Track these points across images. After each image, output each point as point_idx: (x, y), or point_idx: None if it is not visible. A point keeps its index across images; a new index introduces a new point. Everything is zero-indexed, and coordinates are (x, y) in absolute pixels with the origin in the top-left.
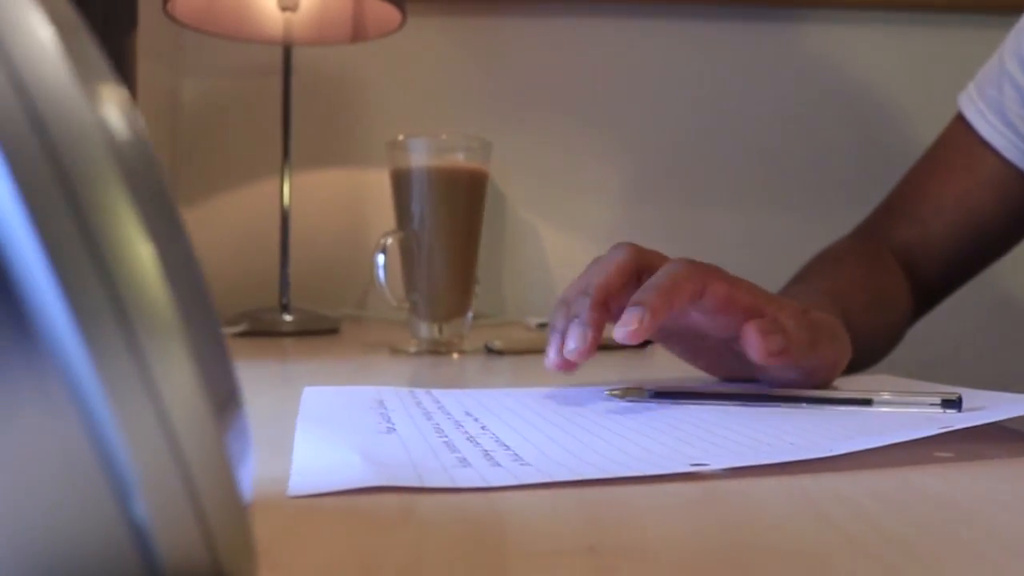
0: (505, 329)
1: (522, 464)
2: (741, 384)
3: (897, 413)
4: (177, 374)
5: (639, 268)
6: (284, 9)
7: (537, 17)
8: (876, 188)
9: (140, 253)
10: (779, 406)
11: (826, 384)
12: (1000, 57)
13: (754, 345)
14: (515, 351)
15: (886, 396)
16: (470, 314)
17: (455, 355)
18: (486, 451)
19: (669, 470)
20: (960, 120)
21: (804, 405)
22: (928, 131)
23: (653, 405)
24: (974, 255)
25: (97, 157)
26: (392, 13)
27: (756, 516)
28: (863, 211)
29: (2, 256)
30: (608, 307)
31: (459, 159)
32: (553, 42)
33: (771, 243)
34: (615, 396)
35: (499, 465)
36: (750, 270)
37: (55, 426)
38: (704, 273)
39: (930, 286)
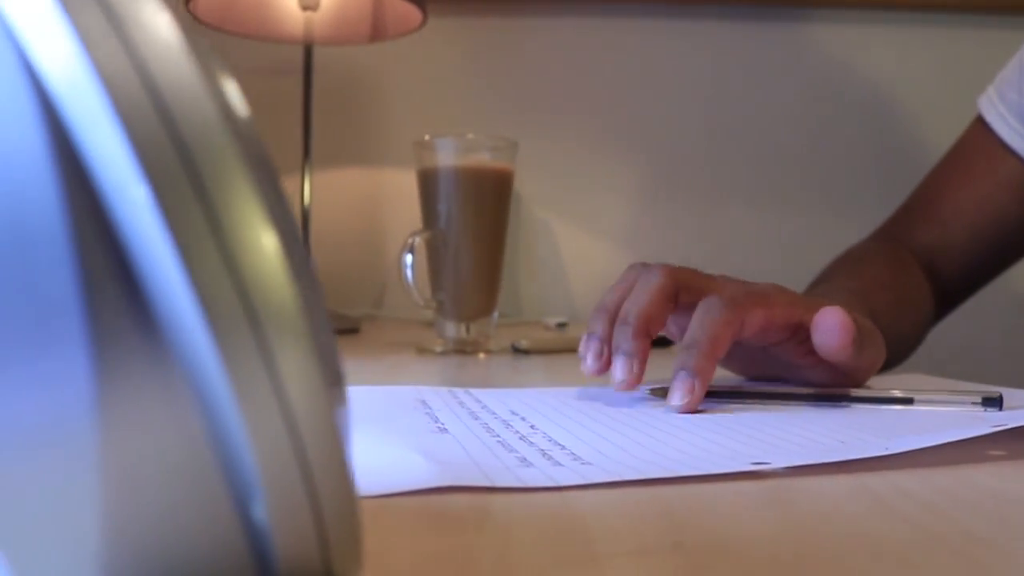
0: (525, 329)
1: (583, 463)
2: (778, 384)
3: (941, 411)
4: (303, 375)
5: (676, 290)
6: (305, 8)
7: (553, 17)
8: (891, 187)
9: (268, 250)
10: (820, 405)
11: (859, 384)
12: (1020, 61)
13: (834, 335)
14: (542, 351)
15: (927, 395)
16: (496, 314)
17: (482, 355)
18: (543, 450)
19: (731, 469)
20: (980, 123)
21: (845, 404)
22: (942, 131)
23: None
24: (995, 257)
25: (225, 152)
26: (413, 12)
27: (830, 513)
28: (878, 210)
29: (130, 253)
30: (649, 334)
31: (486, 159)
32: (569, 42)
33: (786, 242)
34: (657, 396)
35: (561, 464)
36: (765, 269)
37: (177, 427)
38: (739, 307)
39: (951, 288)
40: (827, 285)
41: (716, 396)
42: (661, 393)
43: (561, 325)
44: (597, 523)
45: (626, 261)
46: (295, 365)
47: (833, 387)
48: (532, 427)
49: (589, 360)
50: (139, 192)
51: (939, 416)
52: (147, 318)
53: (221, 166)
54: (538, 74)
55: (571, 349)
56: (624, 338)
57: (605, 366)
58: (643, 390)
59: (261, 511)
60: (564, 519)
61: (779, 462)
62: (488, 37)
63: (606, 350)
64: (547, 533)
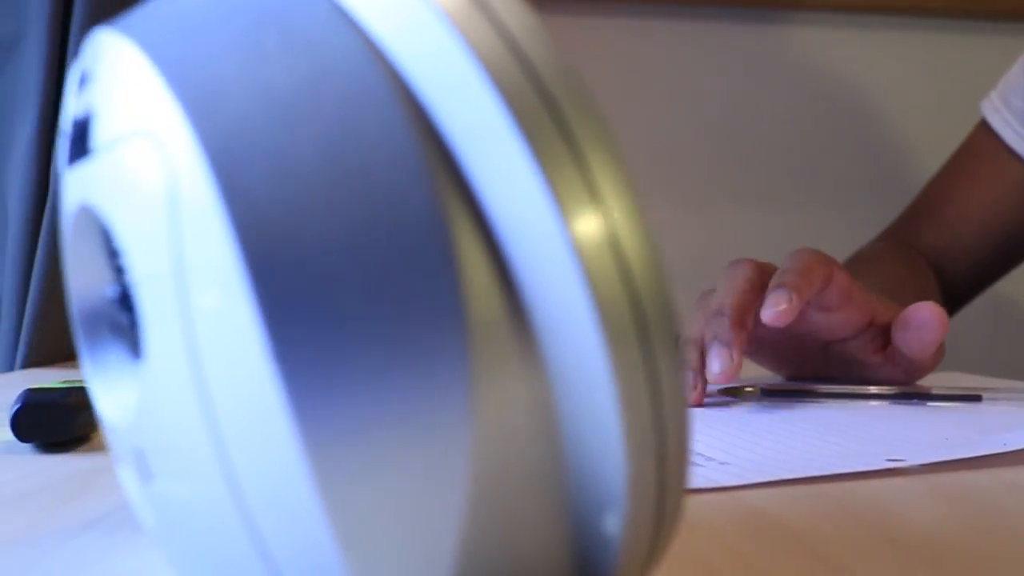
0: None
1: (720, 463)
2: (840, 383)
3: (1015, 409)
4: (677, 390)
5: (763, 280)
6: None
7: (546, 16)
8: (881, 189)
9: (651, 247)
10: (897, 402)
11: (911, 383)
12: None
13: (932, 330)
14: None
15: (993, 393)
16: None
17: None
18: None
19: (872, 467)
20: (985, 127)
21: (915, 401)
22: (933, 134)
23: (767, 404)
24: (1001, 259)
25: (605, 136)
26: None
27: (1004, 507)
28: (868, 211)
29: (506, 247)
30: (745, 324)
31: None
32: (557, 41)
33: (776, 244)
34: (730, 396)
35: (698, 464)
36: None
37: (539, 430)
38: (828, 260)
39: (957, 288)
40: None
41: (793, 395)
42: (738, 392)
43: None
44: (797, 523)
45: None
46: (671, 380)
47: (890, 385)
48: None
49: None
50: (539, 198)
51: (1017, 413)
52: (522, 316)
53: (608, 158)
54: None
55: None
56: (721, 328)
57: (700, 398)
58: (711, 389)
59: (615, 523)
60: (757, 519)
61: (913, 459)
62: None
63: (699, 382)
64: (753, 532)
